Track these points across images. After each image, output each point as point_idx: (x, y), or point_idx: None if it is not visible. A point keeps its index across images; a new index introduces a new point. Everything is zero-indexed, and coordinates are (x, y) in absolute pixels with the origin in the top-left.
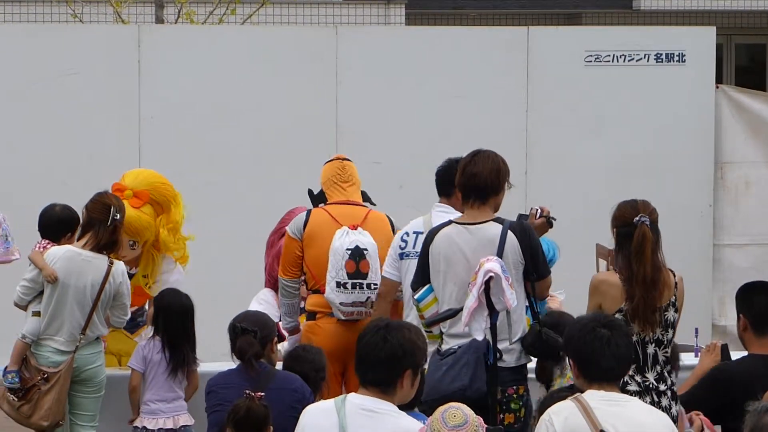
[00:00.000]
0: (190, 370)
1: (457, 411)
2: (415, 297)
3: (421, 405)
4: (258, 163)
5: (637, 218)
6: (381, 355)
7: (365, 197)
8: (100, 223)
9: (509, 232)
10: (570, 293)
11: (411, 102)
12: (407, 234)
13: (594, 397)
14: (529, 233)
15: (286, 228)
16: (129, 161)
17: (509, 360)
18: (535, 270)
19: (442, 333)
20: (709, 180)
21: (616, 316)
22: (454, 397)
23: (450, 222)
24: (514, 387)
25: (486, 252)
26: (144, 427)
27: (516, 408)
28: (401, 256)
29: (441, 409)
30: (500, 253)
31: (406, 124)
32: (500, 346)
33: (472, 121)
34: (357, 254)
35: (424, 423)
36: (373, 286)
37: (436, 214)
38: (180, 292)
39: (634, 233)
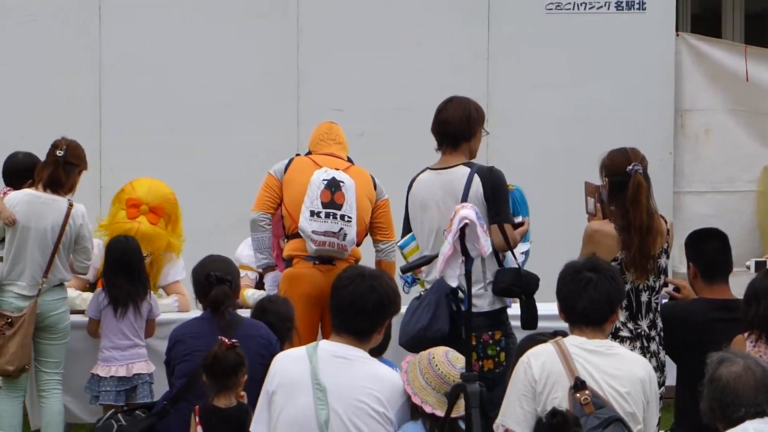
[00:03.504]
0: (149, 319)
1: (459, 354)
2: (399, 244)
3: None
4: (219, 111)
5: (630, 167)
6: (368, 305)
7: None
8: (45, 163)
9: (476, 175)
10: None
11: (372, 50)
12: None
13: (575, 342)
14: (496, 177)
15: (269, 170)
16: (89, 110)
17: (481, 305)
18: (497, 214)
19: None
20: (669, 128)
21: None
22: (417, 338)
23: (426, 169)
24: (489, 333)
25: (452, 194)
26: (97, 375)
27: (493, 354)
28: None
29: (441, 350)
30: (465, 195)
31: (368, 72)
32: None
33: (433, 69)
34: (333, 185)
35: (395, 369)
36: (346, 218)
37: None
38: (120, 235)
39: (629, 182)
